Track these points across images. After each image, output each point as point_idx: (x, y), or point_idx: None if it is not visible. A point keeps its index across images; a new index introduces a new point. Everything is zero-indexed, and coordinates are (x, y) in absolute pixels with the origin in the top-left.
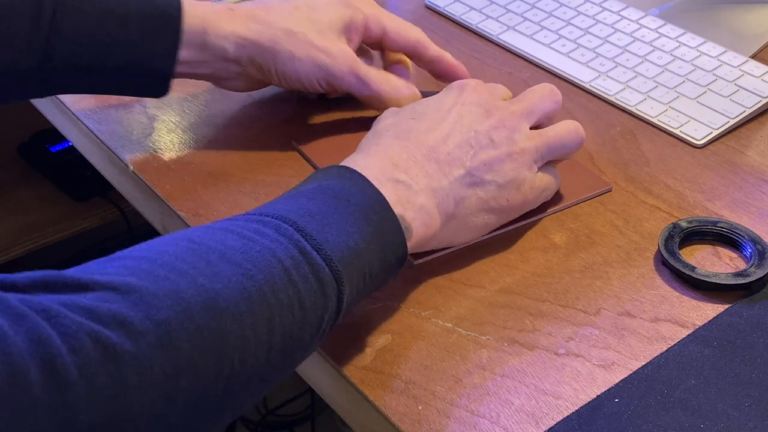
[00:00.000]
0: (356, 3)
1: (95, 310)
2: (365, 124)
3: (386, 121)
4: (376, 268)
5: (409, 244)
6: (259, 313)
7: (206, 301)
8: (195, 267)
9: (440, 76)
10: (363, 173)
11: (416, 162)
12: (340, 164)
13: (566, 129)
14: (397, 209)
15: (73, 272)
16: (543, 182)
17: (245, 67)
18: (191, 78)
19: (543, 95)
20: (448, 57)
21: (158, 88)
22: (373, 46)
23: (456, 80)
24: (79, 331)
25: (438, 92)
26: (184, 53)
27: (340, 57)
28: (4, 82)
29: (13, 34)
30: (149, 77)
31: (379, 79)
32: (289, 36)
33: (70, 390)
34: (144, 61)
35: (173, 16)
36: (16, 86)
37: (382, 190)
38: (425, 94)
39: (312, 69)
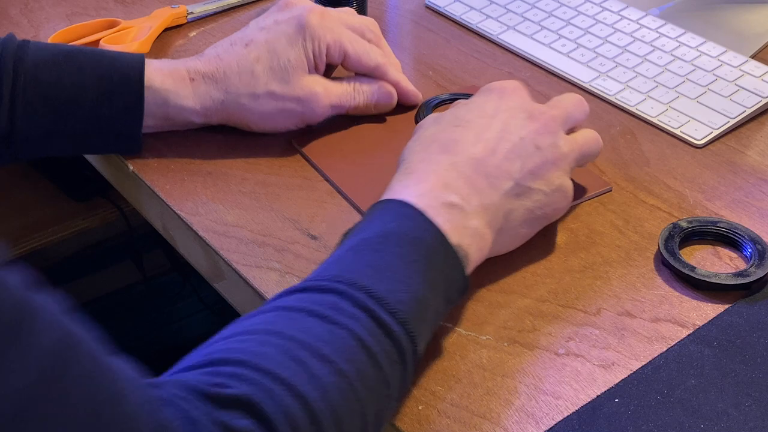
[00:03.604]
0: (318, 30)
1: (232, 428)
2: (365, 124)
3: (430, 129)
4: (442, 309)
5: (466, 272)
6: (355, 409)
7: (311, 414)
8: (295, 374)
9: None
10: (419, 205)
11: (466, 179)
12: (397, 198)
13: (592, 137)
14: (454, 239)
15: (207, 381)
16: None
17: (217, 123)
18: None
19: (575, 103)
20: (404, 84)
21: (129, 148)
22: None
23: (409, 105)
24: None
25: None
26: (149, 122)
27: (310, 100)
28: None
29: None
30: (118, 140)
31: (351, 94)
32: (255, 100)
33: None
34: (111, 125)
35: (135, 90)
36: None
37: (438, 220)
38: (458, 95)
39: (286, 120)
